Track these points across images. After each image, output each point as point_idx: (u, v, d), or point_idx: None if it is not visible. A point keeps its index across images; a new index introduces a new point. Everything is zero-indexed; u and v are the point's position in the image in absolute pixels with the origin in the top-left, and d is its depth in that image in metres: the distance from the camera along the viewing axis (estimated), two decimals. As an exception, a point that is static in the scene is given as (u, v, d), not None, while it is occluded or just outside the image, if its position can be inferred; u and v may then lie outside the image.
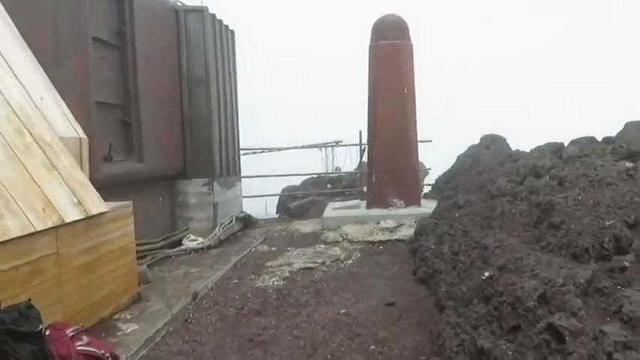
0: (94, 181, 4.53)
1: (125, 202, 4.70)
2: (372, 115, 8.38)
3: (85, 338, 3.03)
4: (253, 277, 5.42)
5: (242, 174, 9.70)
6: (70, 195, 3.92)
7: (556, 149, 6.30)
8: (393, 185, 8.11)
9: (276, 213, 11.63)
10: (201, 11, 7.82)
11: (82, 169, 4.52)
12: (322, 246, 6.80)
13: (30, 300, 2.94)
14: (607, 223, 3.48)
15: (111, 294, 4.29)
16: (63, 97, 4.79)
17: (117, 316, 4.27)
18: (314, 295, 4.73)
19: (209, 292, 4.94)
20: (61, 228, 3.65)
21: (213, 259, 6.38)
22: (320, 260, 5.96)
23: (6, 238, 3.09)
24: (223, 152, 8.42)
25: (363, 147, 11.08)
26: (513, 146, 8.58)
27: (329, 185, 12.42)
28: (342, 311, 4.25)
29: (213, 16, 8.07)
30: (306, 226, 8.22)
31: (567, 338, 2.38)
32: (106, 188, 4.69)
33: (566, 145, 6.22)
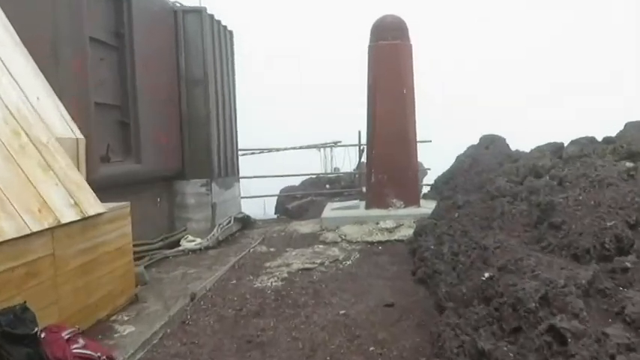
0: (91, 181, 4.50)
1: (122, 203, 4.67)
2: (371, 116, 8.36)
3: (81, 341, 3.01)
4: (252, 277, 5.39)
5: (240, 174, 9.67)
6: (67, 196, 3.88)
7: (556, 149, 6.27)
8: (392, 185, 8.09)
9: (275, 213, 11.61)
10: (199, 12, 7.80)
11: (78, 169, 4.48)
12: (321, 246, 6.77)
13: (25, 302, 2.91)
14: (608, 224, 3.45)
15: (108, 295, 4.26)
16: (61, 97, 4.76)
17: (114, 317, 4.23)
18: (313, 295, 4.70)
19: (207, 293, 4.91)
20: (57, 229, 3.61)
21: (212, 260, 6.35)
22: (319, 261, 5.93)
23: (1, 240, 3.06)
24: (222, 153, 8.38)
25: (362, 147, 11.07)
26: (512, 146, 8.56)
27: (328, 186, 12.39)
28: (341, 312, 4.22)
29: (211, 16, 8.05)
30: (304, 227, 8.19)
31: (569, 340, 2.35)
32: (103, 189, 4.66)
33: (566, 145, 6.20)
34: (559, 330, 2.43)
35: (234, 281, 5.31)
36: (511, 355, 2.60)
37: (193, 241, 7.08)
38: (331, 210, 8.75)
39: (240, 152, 9.84)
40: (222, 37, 8.55)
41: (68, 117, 4.74)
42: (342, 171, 12.81)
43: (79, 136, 4.75)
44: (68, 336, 3.00)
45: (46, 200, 3.61)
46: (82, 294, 3.91)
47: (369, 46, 8.34)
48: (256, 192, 11.33)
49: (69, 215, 3.78)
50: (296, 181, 12.70)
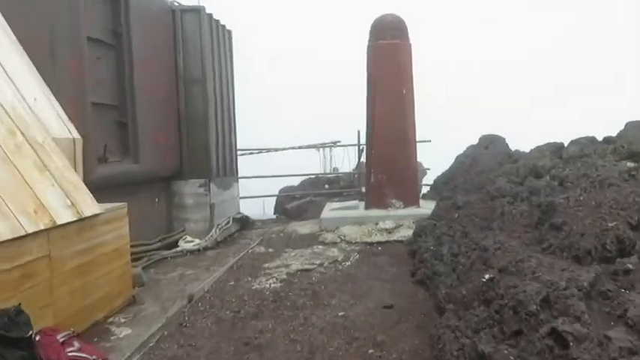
0: (88, 182, 4.46)
1: (119, 204, 4.63)
2: (370, 115, 8.32)
3: (76, 344, 2.97)
4: (250, 279, 5.35)
5: (239, 174, 9.63)
6: (63, 196, 3.84)
7: (556, 149, 6.25)
8: (391, 186, 8.06)
9: (274, 214, 11.58)
10: (197, 11, 7.75)
11: (75, 170, 4.44)
12: (320, 247, 6.74)
13: (19, 305, 2.87)
14: (610, 225, 3.42)
15: (105, 297, 4.22)
16: (58, 97, 4.72)
17: (111, 319, 4.19)
18: (311, 297, 4.67)
19: (205, 295, 4.87)
20: (53, 230, 3.57)
21: (210, 261, 6.31)
22: (318, 262, 5.90)
23: (-4, 241, 3.02)
24: (220, 152, 8.34)
25: (361, 147, 11.03)
26: (514, 147, 8.54)
27: (327, 186, 12.36)
28: (340, 314, 4.19)
29: (209, 15, 8.01)
30: (303, 227, 8.15)
31: (571, 344, 2.32)
32: (100, 189, 4.62)
33: (566, 145, 6.17)
34: (561, 333, 2.39)
35: (233, 282, 5.27)
36: (512, 358, 2.56)
37: (192, 241, 7.04)
38: (330, 210, 8.72)
39: (239, 152, 9.80)
40: (221, 36, 8.51)
41: (65, 117, 4.69)
42: (341, 171, 12.79)
43: (76, 136, 4.71)
44: (63, 339, 2.96)
45: (42, 201, 3.57)
46: (79, 296, 3.87)
47: (369, 46, 8.30)
48: (255, 192, 11.29)
49: (65, 216, 3.74)
50: (295, 181, 12.67)
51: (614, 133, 5.99)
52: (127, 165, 6.36)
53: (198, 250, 6.83)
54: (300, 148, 12.52)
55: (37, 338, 2.85)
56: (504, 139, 8.94)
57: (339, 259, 6.05)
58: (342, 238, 7.05)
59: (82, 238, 3.96)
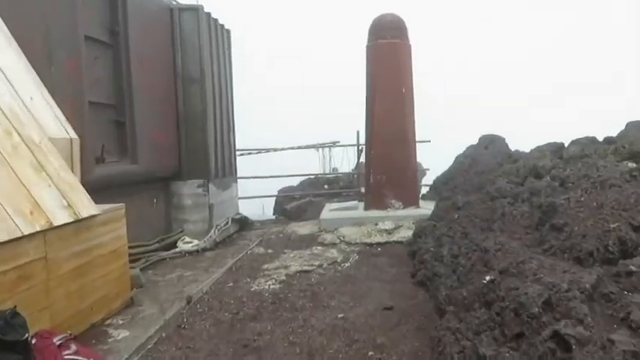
0: (85, 182, 4.42)
1: (117, 205, 4.59)
2: (369, 115, 8.29)
3: (73, 347, 2.93)
4: (249, 280, 5.32)
5: (238, 175, 9.60)
6: (60, 197, 3.80)
7: (556, 149, 6.22)
8: (391, 186, 8.03)
9: (273, 214, 11.55)
10: (195, 10, 7.72)
11: (72, 170, 4.40)
12: (319, 248, 6.71)
13: (15, 307, 2.84)
14: (612, 226, 3.38)
15: (102, 299, 4.18)
16: (55, 97, 4.68)
17: (108, 321, 4.15)
18: (311, 299, 4.64)
19: (203, 296, 4.84)
20: (50, 232, 3.53)
21: (209, 262, 6.28)
22: (317, 263, 5.87)
23: (-9, 243, 2.99)
24: (219, 153, 8.31)
25: (360, 147, 11.01)
26: (513, 147, 8.51)
27: (326, 186, 12.34)
28: (340, 316, 4.16)
29: (208, 14, 7.98)
30: (303, 228, 8.12)
31: (574, 347, 2.28)
32: (98, 190, 4.59)
33: (566, 145, 6.14)
34: (563, 336, 2.36)
35: (231, 284, 5.24)
36: (514, 361, 2.53)
37: (190, 242, 7.01)
38: (330, 211, 8.69)
39: (238, 152, 9.77)
40: (219, 35, 8.48)
41: (62, 117, 4.65)
42: (340, 171, 12.77)
43: (73, 136, 4.67)
44: (60, 342, 2.93)
45: (38, 202, 3.54)
46: (76, 298, 3.83)
47: (368, 45, 8.27)
48: (254, 192, 11.27)
49: (62, 217, 3.70)
50: (294, 182, 12.65)
51: (613, 132, 5.98)
52: (125, 165, 6.32)
53: (197, 251, 6.79)
54: (299, 148, 12.49)
55: (34, 341, 2.82)
56: (504, 139, 8.92)
57: (339, 260, 6.02)
58: (342, 238, 7.02)
59: (79, 240, 3.92)
